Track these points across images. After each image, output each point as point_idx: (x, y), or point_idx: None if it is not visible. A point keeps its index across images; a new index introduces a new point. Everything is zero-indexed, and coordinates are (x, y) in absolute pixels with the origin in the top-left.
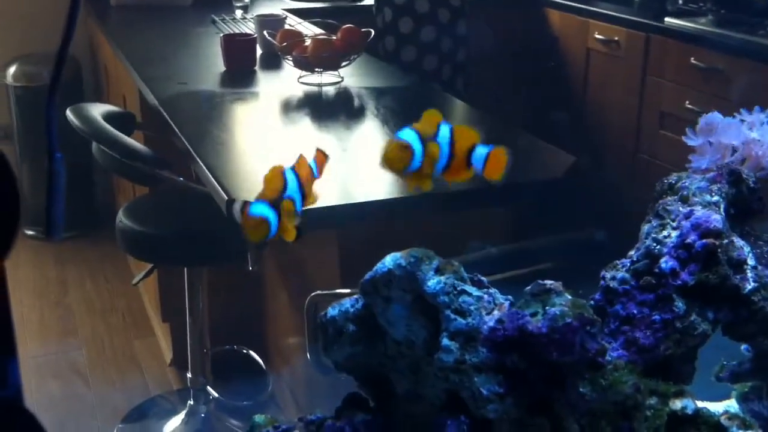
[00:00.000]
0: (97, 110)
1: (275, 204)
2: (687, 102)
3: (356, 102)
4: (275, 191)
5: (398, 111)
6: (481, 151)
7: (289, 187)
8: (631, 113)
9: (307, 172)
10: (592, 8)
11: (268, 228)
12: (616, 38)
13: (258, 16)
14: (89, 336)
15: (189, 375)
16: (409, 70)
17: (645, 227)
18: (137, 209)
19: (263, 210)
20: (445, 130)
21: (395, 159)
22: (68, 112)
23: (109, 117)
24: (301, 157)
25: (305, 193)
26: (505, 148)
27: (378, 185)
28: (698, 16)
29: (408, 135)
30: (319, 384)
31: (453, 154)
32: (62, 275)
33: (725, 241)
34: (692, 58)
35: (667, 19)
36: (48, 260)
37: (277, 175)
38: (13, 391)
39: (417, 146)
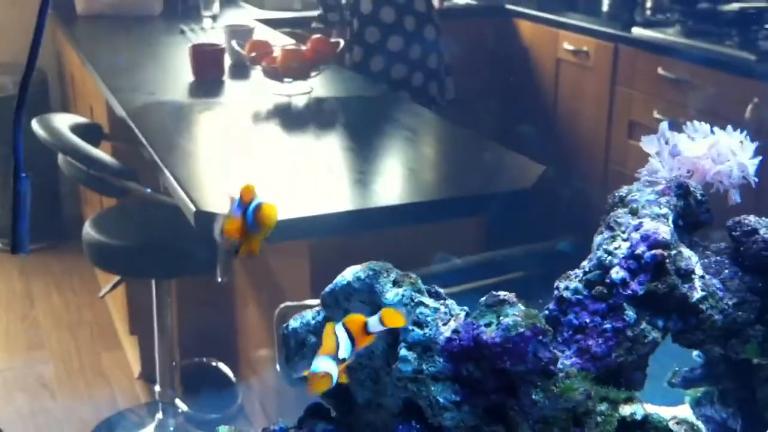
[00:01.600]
0: (64, 121)
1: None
2: (655, 111)
3: (325, 112)
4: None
5: (367, 121)
6: (373, 320)
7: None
8: (601, 123)
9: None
10: (561, 19)
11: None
12: (585, 48)
13: (227, 26)
14: (56, 349)
15: (157, 388)
16: (378, 80)
17: (597, 239)
18: (104, 221)
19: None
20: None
21: (319, 388)
22: (34, 123)
23: (75, 128)
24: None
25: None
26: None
27: (348, 196)
28: (666, 27)
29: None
30: (288, 396)
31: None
32: (28, 288)
33: (674, 252)
34: (660, 68)
35: (635, 29)
36: (13, 273)
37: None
38: None
39: (334, 372)
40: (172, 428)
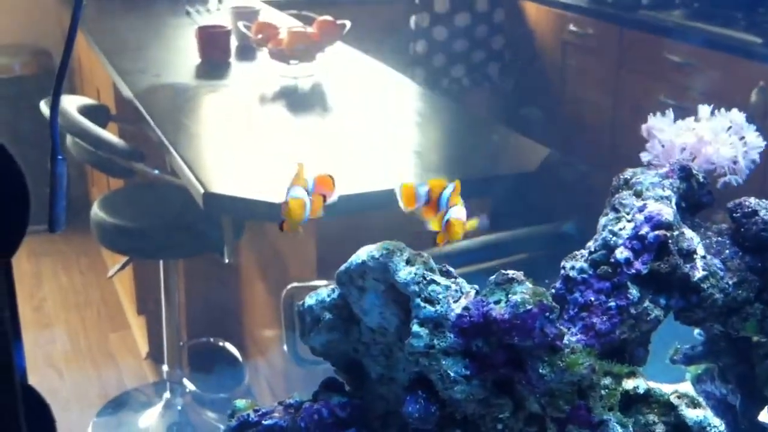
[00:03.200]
0: (71, 103)
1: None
2: (661, 95)
3: (332, 94)
4: (304, 182)
5: (373, 104)
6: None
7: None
8: (606, 106)
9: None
10: (567, 1)
11: (304, 208)
12: (591, 31)
13: (233, 7)
14: (64, 329)
15: (165, 368)
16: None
17: (602, 220)
18: (112, 202)
19: (301, 193)
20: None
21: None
22: (42, 105)
23: (83, 109)
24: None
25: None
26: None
27: (354, 178)
28: (672, 9)
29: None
30: (295, 375)
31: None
32: (36, 268)
33: (676, 232)
34: (665, 51)
35: (640, 12)
36: (22, 253)
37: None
38: (21, 372)
39: (422, 189)
40: (179, 407)
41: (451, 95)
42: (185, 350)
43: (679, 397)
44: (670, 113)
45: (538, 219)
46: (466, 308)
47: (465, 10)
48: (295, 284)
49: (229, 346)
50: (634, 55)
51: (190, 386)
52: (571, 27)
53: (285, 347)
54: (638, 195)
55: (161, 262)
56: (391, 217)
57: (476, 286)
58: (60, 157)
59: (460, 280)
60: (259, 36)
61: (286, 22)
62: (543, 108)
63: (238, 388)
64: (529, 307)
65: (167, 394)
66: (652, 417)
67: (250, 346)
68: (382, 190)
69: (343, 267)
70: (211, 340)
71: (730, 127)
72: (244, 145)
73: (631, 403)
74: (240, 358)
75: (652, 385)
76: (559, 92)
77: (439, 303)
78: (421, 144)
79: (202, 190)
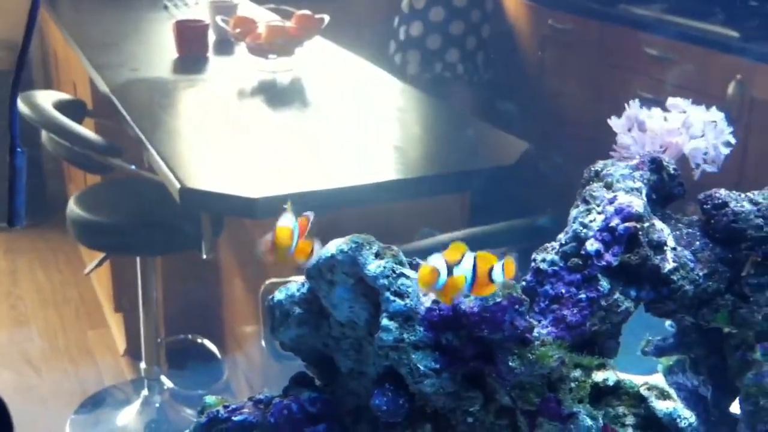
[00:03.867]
0: (47, 98)
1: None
2: (640, 89)
3: (310, 89)
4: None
5: (352, 98)
6: (498, 268)
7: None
8: (586, 100)
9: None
10: None
11: (292, 237)
12: (570, 26)
13: (211, 1)
14: (41, 326)
15: (143, 365)
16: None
17: (573, 212)
18: (89, 198)
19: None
20: (468, 259)
21: (423, 279)
22: (17, 101)
23: (59, 105)
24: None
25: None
26: (512, 258)
27: (333, 173)
28: (651, 4)
29: (436, 260)
30: (273, 371)
31: (476, 275)
32: (13, 265)
33: (646, 224)
34: (645, 46)
35: (620, 6)
36: None
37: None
38: None
39: (443, 270)
40: (157, 404)
41: (443, 83)
42: (163, 347)
43: (649, 389)
44: (635, 103)
45: (517, 213)
46: (435, 302)
47: None
48: (273, 280)
49: (207, 343)
50: (613, 50)
51: (168, 383)
52: (551, 22)
53: (263, 343)
54: (609, 187)
55: (138, 258)
56: (370, 213)
57: None
58: (19, 150)
59: None
60: (237, 30)
61: (264, 17)
62: (522, 102)
63: (216, 384)
64: (498, 299)
65: (145, 392)
66: (622, 409)
67: (228, 342)
68: (361, 184)
69: (312, 260)
70: (189, 336)
71: (697, 119)
72: (222, 141)
73: (601, 395)
74: (218, 355)
75: (623, 376)
76: (539, 87)
77: (408, 296)
78: (401, 138)
79: (178, 186)
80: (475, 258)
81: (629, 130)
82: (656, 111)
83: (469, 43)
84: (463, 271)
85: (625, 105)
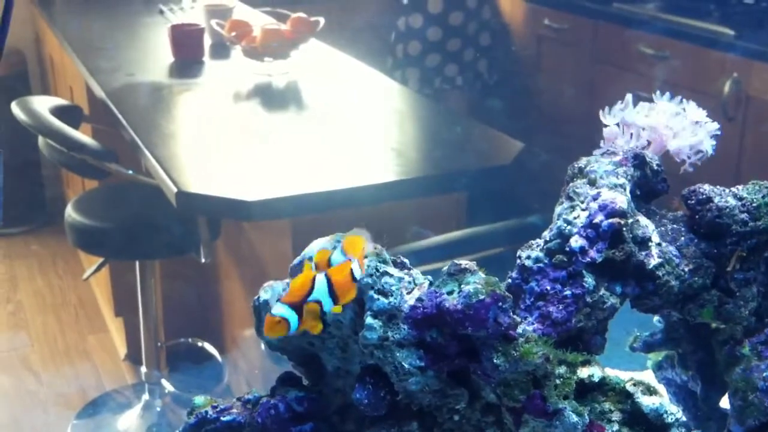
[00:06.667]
0: (43, 103)
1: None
2: (636, 88)
3: (306, 92)
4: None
5: (348, 100)
6: (356, 266)
7: (317, 290)
8: (583, 99)
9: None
10: None
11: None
12: (566, 25)
13: (206, 5)
14: (41, 332)
15: (143, 369)
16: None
17: (558, 209)
18: (86, 203)
19: (283, 311)
20: (320, 282)
21: (273, 332)
22: (14, 106)
23: (55, 110)
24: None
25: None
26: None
27: (330, 175)
28: (646, 3)
29: (279, 309)
30: (273, 373)
31: (333, 291)
32: (12, 271)
33: (631, 220)
34: (640, 44)
35: (615, 5)
36: None
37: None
38: None
39: (292, 318)
40: (158, 408)
41: (442, 96)
42: (163, 351)
43: (635, 385)
44: (628, 98)
45: (514, 213)
46: (419, 299)
47: (458, 9)
48: (272, 282)
49: (208, 346)
50: (608, 49)
51: (168, 387)
52: (546, 21)
53: (263, 345)
54: (592, 183)
55: (137, 263)
56: (365, 213)
57: (430, 278)
58: None
59: (414, 271)
60: (233, 34)
61: (259, 20)
62: (518, 102)
63: (216, 387)
64: (481, 297)
65: (146, 396)
66: (607, 405)
67: (228, 345)
68: (358, 186)
69: (296, 260)
70: (189, 340)
71: (683, 115)
72: (218, 144)
73: (587, 391)
74: (218, 358)
75: (609, 372)
76: (535, 86)
77: (392, 295)
78: (397, 140)
79: (175, 190)
80: (327, 277)
81: (617, 124)
82: (641, 105)
83: (467, 56)
84: (319, 294)
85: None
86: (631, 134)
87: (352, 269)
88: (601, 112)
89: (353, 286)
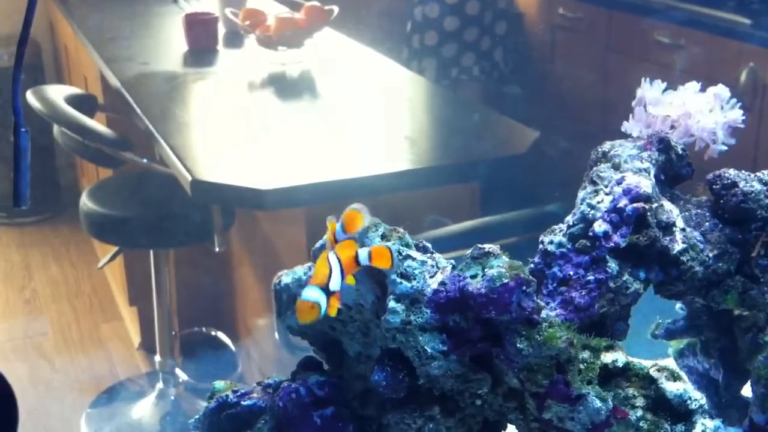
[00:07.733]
0: (58, 92)
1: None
2: (650, 77)
3: (320, 80)
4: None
5: (362, 89)
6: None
7: (333, 269)
8: (597, 89)
9: (346, 255)
10: None
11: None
12: (580, 14)
13: None
14: (55, 320)
15: (157, 358)
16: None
17: (581, 193)
18: (101, 192)
19: (315, 294)
20: (333, 260)
21: (305, 317)
22: (29, 95)
23: (70, 99)
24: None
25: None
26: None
27: (344, 164)
28: None
29: (311, 293)
30: (287, 362)
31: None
32: (26, 259)
33: (655, 205)
34: (655, 33)
35: None
36: (11, 244)
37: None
38: None
39: (322, 301)
40: (172, 397)
41: (459, 86)
42: (177, 340)
43: (659, 371)
44: (658, 84)
45: (529, 202)
46: (442, 283)
47: None
48: (285, 271)
49: (221, 335)
50: (623, 38)
51: (182, 376)
52: (561, 10)
53: (276, 335)
54: (616, 167)
55: (151, 252)
56: (380, 202)
57: (453, 261)
58: (23, 129)
59: (436, 255)
60: (247, 23)
61: (273, 9)
62: (532, 91)
63: (230, 376)
64: (505, 280)
65: (160, 384)
66: (631, 390)
67: (242, 334)
68: (372, 175)
69: (318, 243)
70: (203, 329)
71: (705, 98)
72: (232, 133)
73: (610, 376)
74: (232, 347)
75: (632, 358)
76: (550, 75)
77: (415, 278)
78: (412, 129)
79: (189, 178)
80: (336, 254)
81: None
82: (664, 91)
83: (483, 45)
84: (336, 271)
85: (643, 81)
86: (655, 118)
87: (357, 253)
88: (643, 79)
89: (354, 265)
